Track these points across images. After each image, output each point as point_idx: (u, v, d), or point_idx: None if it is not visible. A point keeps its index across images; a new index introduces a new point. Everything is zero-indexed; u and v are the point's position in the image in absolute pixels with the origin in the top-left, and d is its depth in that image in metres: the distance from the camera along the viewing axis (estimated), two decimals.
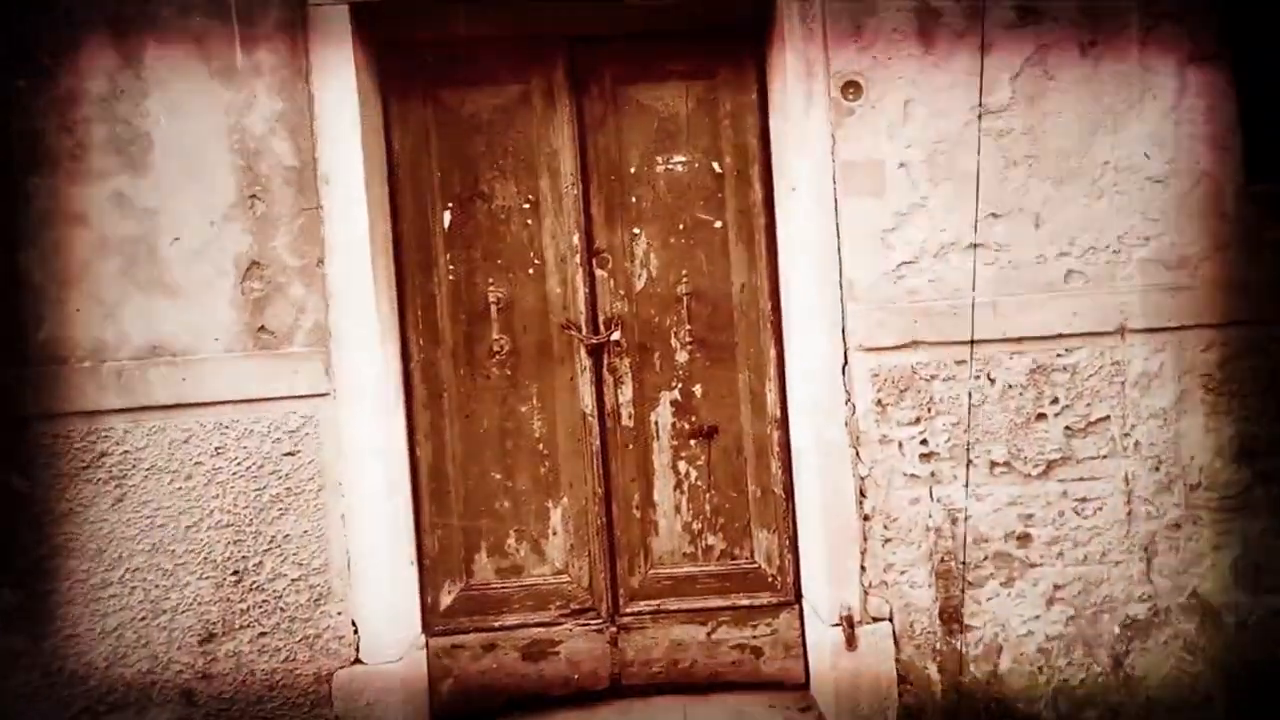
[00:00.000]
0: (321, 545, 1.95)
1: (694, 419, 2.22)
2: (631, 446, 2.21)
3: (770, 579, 2.21)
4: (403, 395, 2.15)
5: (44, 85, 1.90)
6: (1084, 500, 1.98)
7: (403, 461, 2.12)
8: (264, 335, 1.93)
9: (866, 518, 1.99)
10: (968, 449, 1.98)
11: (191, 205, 1.92)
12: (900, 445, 1.98)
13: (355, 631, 1.96)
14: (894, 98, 1.97)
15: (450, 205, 2.19)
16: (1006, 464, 1.98)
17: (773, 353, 2.20)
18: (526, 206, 2.19)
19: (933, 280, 1.98)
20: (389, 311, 2.09)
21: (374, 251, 1.99)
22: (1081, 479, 1.98)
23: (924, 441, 1.98)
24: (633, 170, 2.21)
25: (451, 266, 2.19)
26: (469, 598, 2.20)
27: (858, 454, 1.99)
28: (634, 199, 2.21)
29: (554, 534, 2.22)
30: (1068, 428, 1.98)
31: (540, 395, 2.20)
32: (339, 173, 1.95)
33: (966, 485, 1.99)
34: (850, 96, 1.98)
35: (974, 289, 1.97)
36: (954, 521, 1.98)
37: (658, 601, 2.21)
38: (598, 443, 2.19)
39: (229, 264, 1.93)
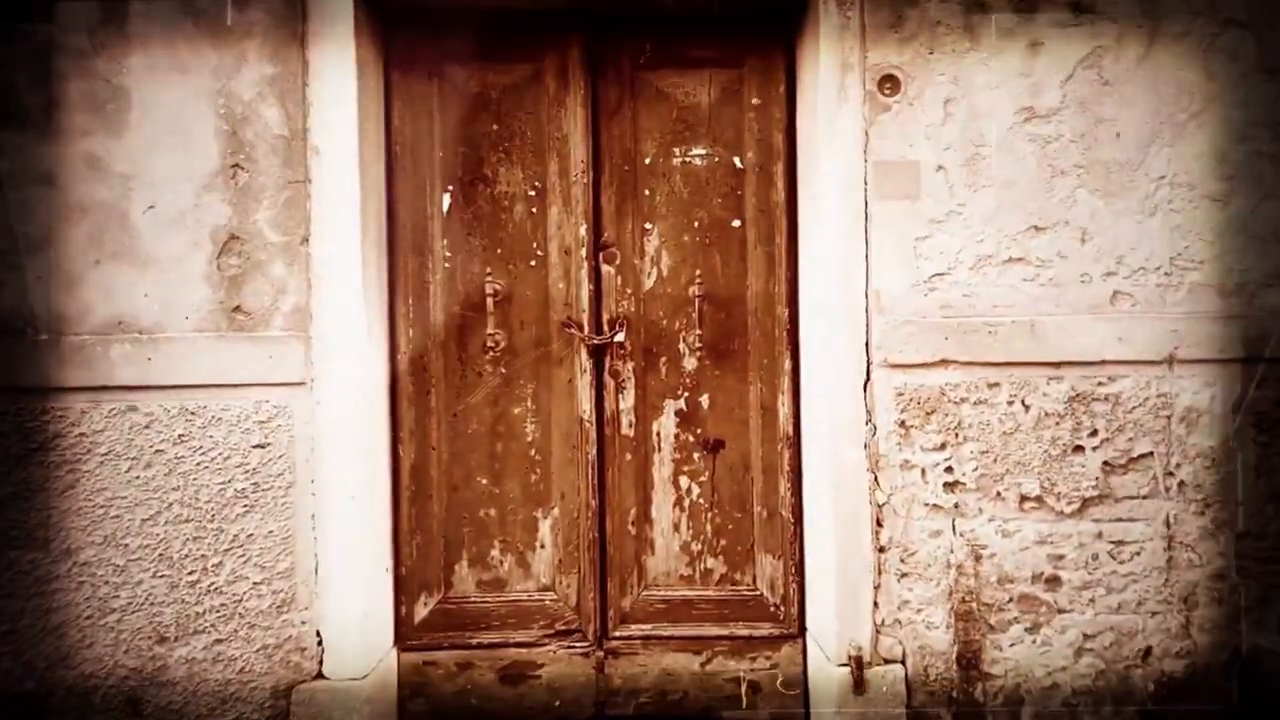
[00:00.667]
0: (288, 547, 1.79)
1: (699, 431, 2.06)
2: (630, 457, 2.05)
3: (773, 609, 2.04)
4: (387, 389, 2.00)
5: (20, 35, 1.76)
6: (1120, 543, 1.82)
7: (383, 461, 1.97)
8: (239, 316, 1.78)
9: (882, 549, 1.82)
10: (996, 480, 1.82)
11: (169, 171, 1.77)
12: (923, 472, 1.82)
13: (319, 643, 1.79)
14: (934, 95, 1.82)
15: (450, 188, 2.04)
16: (1038, 499, 1.82)
17: (788, 364, 2.04)
18: (532, 194, 2.05)
19: (967, 294, 1.82)
20: (377, 298, 1.94)
21: (364, 232, 1.84)
22: (1119, 519, 1.82)
23: (949, 469, 1.82)
24: (648, 161, 2.06)
25: (448, 254, 2.04)
26: (446, 611, 2.03)
27: (876, 479, 1.82)
28: (647, 192, 2.06)
29: (541, 547, 2.06)
30: (1106, 463, 1.82)
31: (535, 397, 2.05)
32: (331, 145, 1.81)
33: (993, 520, 1.82)
34: (887, 92, 1.83)
35: (1012, 306, 1.81)
36: (977, 558, 1.82)
37: (650, 626, 2.04)
38: (594, 451, 2.03)
39: (205, 237, 1.78)
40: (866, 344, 1.82)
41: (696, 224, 2.06)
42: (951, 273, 1.82)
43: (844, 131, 1.83)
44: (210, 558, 1.77)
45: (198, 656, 1.77)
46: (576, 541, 2.05)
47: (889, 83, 1.83)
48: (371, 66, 1.92)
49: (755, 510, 2.06)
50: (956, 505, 1.82)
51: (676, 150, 2.07)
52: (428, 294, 2.04)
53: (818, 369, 1.90)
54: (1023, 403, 1.82)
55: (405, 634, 2.01)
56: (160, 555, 1.77)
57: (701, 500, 2.06)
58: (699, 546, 2.07)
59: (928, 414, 1.82)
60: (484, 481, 2.05)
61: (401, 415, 2.02)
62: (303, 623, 1.79)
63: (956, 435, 1.82)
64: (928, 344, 1.81)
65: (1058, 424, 1.82)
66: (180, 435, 1.76)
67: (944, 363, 1.81)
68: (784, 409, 2.05)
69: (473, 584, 2.06)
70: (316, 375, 1.80)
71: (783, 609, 2.04)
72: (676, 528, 2.07)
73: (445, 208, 2.04)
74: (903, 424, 1.82)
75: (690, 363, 2.06)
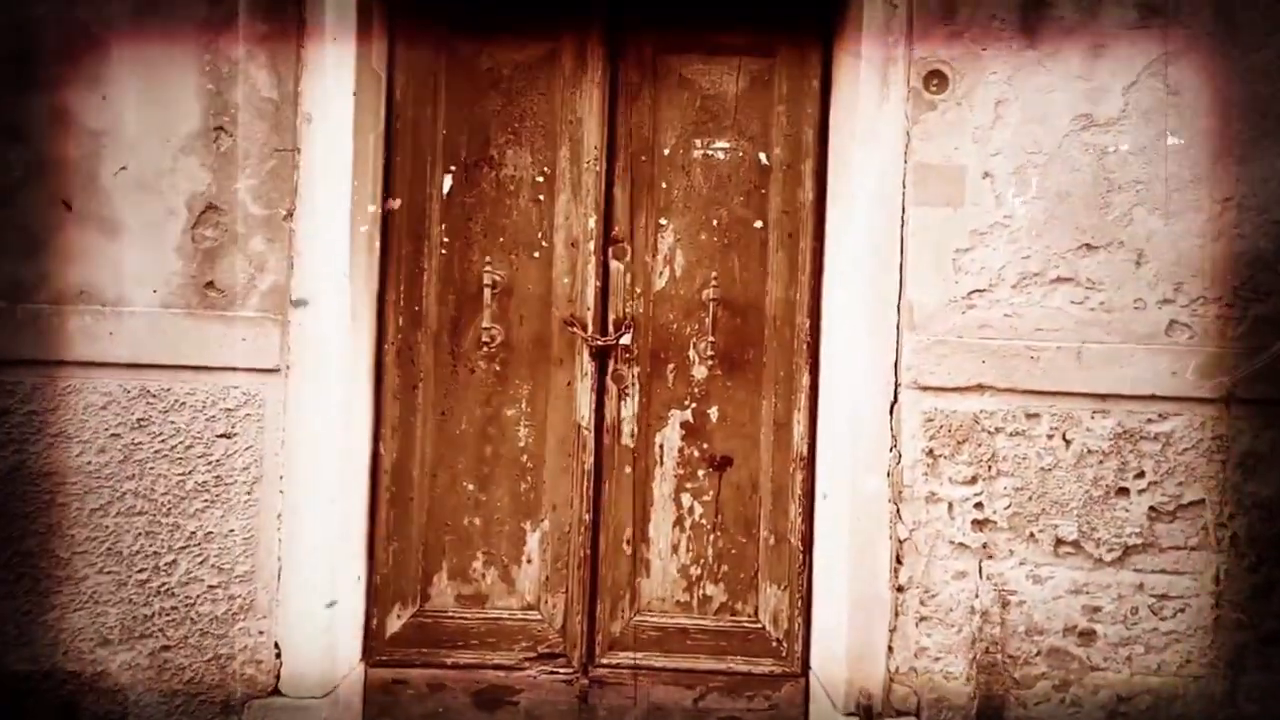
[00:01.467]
0: (249, 548, 1.63)
1: (706, 446, 1.90)
2: (630, 470, 1.89)
3: (775, 644, 1.88)
4: (371, 382, 1.85)
5: None
6: (1164, 597, 1.65)
7: (362, 459, 1.81)
8: (211, 293, 1.63)
9: (900, 589, 1.66)
10: (1030, 520, 1.65)
11: (146, 130, 1.63)
12: (950, 507, 1.66)
13: (278, 656, 1.64)
14: (985, 95, 1.67)
15: (453, 169, 1.89)
16: (1075, 544, 1.65)
17: (806, 379, 1.88)
18: (540, 180, 1.89)
19: (1008, 315, 1.66)
20: (365, 282, 1.79)
21: (355, 209, 1.69)
22: (1163, 571, 1.65)
23: (979, 505, 1.66)
24: (666, 152, 1.91)
25: (446, 239, 1.89)
26: (421, 625, 1.87)
27: (898, 512, 1.66)
28: (664, 185, 1.91)
29: (528, 561, 1.90)
30: (1153, 508, 1.65)
31: (531, 399, 1.89)
32: (324, 113, 1.66)
33: (1024, 564, 1.66)
34: (934, 88, 1.67)
35: (1057, 330, 1.65)
36: (1005, 605, 1.65)
37: (640, 655, 1.88)
38: (591, 461, 1.88)
39: (181, 204, 1.63)
40: (895, 362, 1.66)
41: (715, 222, 1.91)
42: (993, 290, 1.66)
43: (884, 130, 1.68)
44: (163, 555, 1.61)
45: (143, 663, 1.61)
46: (566, 558, 1.88)
47: (936, 79, 1.68)
48: (374, 34, 1.78)
49: (762, 535, 1.90)
50: (985, 545, 1.66)
51: (698, 142, 1.91)
52: (421, 281, 1.88)
53: (840, 386, 1.75)
54: (1064, 437, 1.66)
55: (375, 648, 1.85)
56: (109, 549, 1.61)
57: (704, 521, 1.90)
58: (698, 571, 1.90)
59: (959, 443, 1.66)
60: (470, 487, 1.89)
61: (385, 410, 1.86)
62: (261, 632, 1.63)
63: (989, 468, 1.66)
64: (963, 366, 1.65)
65: (1101, 463, 1.65)
66: (139, 419, 1.61)
67: (979, 388, 1.65)
68: (799, 427, 1.89)
69: (451, 597, 1.89)
70: (293, 362, 1.65)
71: (785, 645, 1.88)
72: (675, 549, 1.91)
73: (446, 190, 1.89)
74: (931, 453, 1.66)
75: (700, 371, 1.90)
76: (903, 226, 1.67)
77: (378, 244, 1.84)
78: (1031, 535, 1.66)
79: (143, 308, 1.61)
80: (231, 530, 1.63)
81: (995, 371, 1.65)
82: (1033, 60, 1.67)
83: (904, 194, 1.67)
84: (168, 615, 1.61)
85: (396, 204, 1.64)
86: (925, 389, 1.65)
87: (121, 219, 1.62)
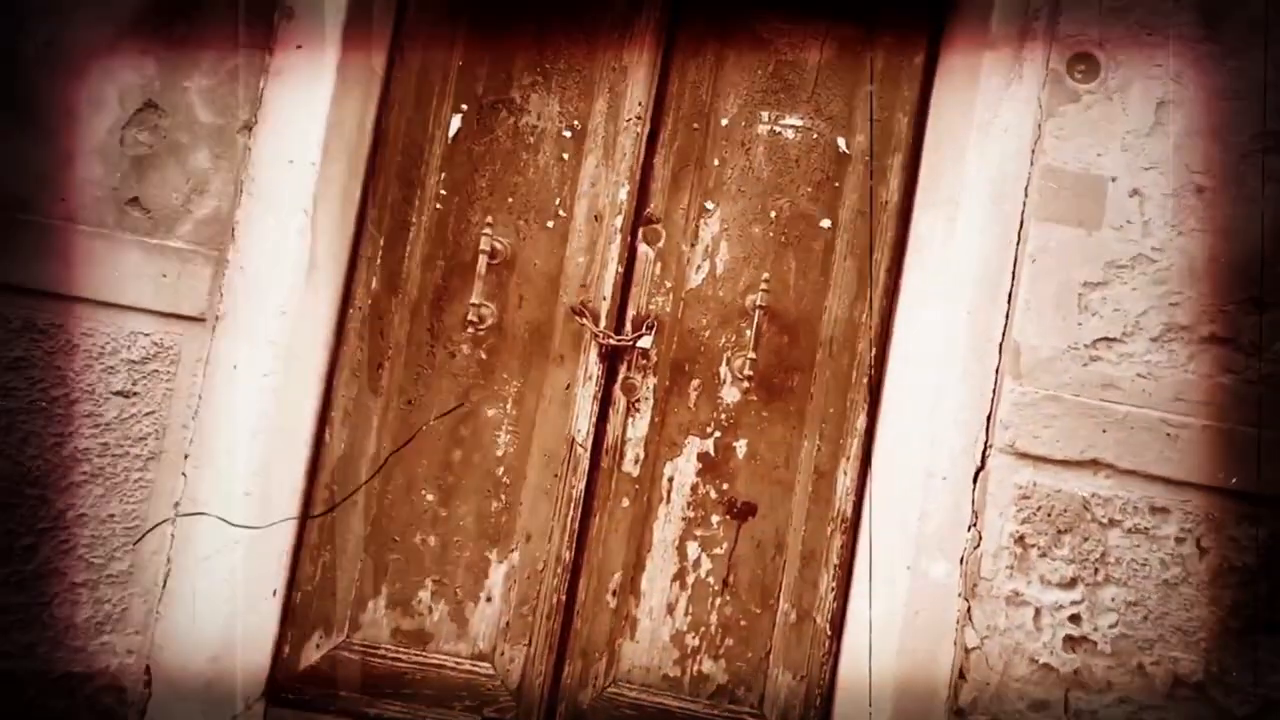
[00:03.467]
0: (131, 540, 1.27)
1: (726, 487, 1.53)
2: (628, 504, 1.52)
3: None
4: (326, 350, 1.49)
5: None
6: None
7: (301, 445, 1.46)
8: (133, 212, 1.29)
9: (959, 714, 1.27)
10: (1143, 648, 1.26)
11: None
12: (1038, 614, 1.27)
13: (147, 684, 1.27)
14: (1144, 92, 1.30)
15: (464, 108, 1.55)
16: (1198, 686, 1.26)
17: (862, 421, 1.51)
18: (567, 135, 1.55)
19: (1143, 375, 1.28)
20: (335, 227, 1.44)
21: (334, 135, 1.35)
22: None
23: (1076, 618, 1.27)
24: (724, 122, 1.55)
25: (443, 191, 1.54)
26: (345, 661, 1.50)
27: (969, 611, 1.27)
28: (717, 162, 1.55)
29: (487, 599, 1.53)
30: None
31: (519, 399, 1.53)
32: (309, 8, 1.32)
33: (1126, 703, 1.26)
34: (1079, 75, 1.31)
35: (1208, 405, 1.27)
36: None
37: None
38: (581, 486, 1.51)
39: (112, 95, 1.29)
40: (989, 416, 1.28)
41: (773, 214, 1.55)
42: (1127, 340, 1.28)
43: (1007, 120, 1.32)
44: (21, 536, 1.26)
45: None
46: (535, 602, 1.51)
47: (1083, 64, 1.31)
48: None
49: (781, 607, 1.52)
50: (1077, 672, 1.26)
51: (764, 115, 1.56)
52: (405, 237, 1.53)
53: (908, 437, 1.37)
54: (1198, 543, 1.26)
55: (281, 683, 1.48)
56: None
57: (711, 580, 1.52)
58: (696, 641, 1.52)
59: (1059, 532, 1.27)
60: (429, 498, 1.53)
61: (338, 388, 1.51)
62: (130, 651, 1.27)
63: (1095, 571, 1.27)
64: (1077, 433, 1.27)
65: (1246, 585, 1.26)
66: (17, 359, 1.26)
67: (1094, 464, 1.27)
68: (845, 479, 1.51)
69: (387, 630, 1.52)
70: (226, 312, 1.30)
71: None
72: (671, 610, 1.53)
73: (453, 131, 1.55)
74: (1021, 540, 1.27)
75: (731, 393, 1.53)
76: (1019, 245, 1.30)
77: (359, 183, 1.50)
78: (1141, 667, 1.26)
79: (44, 219, 1.27)
80: (113, 515, 1.27)
81: (1118, 446, 1.26)
82: (1211, 55, 1.30)
83: (1025, 204, 1.31)
84: (14, 613, 1.25)
85: None
86: (1024, 456, 1.26)
87: (37, 103, 1.28)
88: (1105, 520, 1.27)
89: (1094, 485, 1.27)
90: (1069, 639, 1.27)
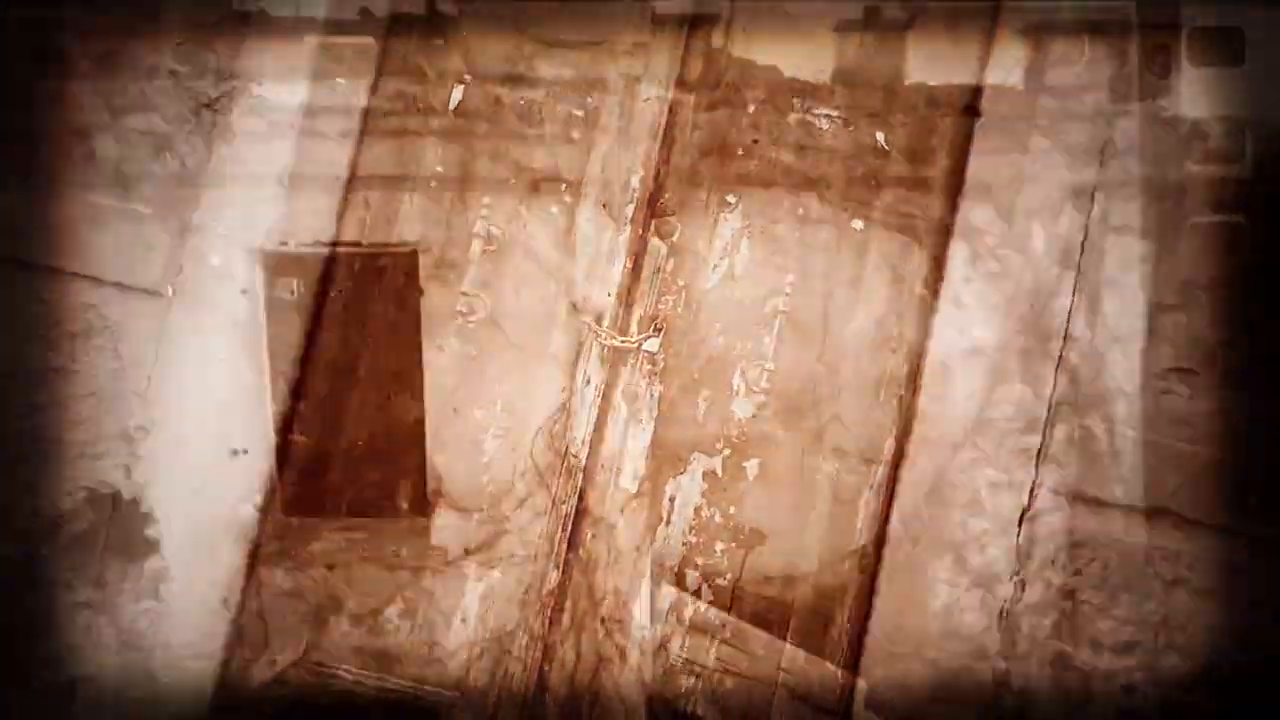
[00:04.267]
0: None
1: (733, 511, 1.38)
2: (622, 523, 1.37)
3: None
4: (301, 336, 1.35)
5: None
6: None
7: (263, 433, 1.31)
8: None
9: None
10: None
11: None
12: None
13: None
14: None
15: (468, 78, 1.41)
16: None
17: (889, 445, 1.35)
18: (578, 112, 1.41)
19: None
20: (321, 192, 1.30)
21: (317, 82, 1.22)
22: None
23: None
24: (752, 108, 1.41)
25: (439, 169, 1.41)
26: (295, 681, 1.35)
27: (1007, 668, 1.11)
28: (741, 150, 1.41)
29: (462, 620, 1.38)
30: None
31: (509, 402, 1.38)
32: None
33: None
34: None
35: None
36: None
37: None
38: (573, 502, 1.36)
39: None
40: (1039, 450, 1.13)
41: (801, 211, 1.41)
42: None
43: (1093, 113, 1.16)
44: None
45: None
46: (519, 626, 1.36)
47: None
48: None
49: (787, 650, 1.36)
50: None
51: (797, 102, 1.41)
52: (396, 216, 1.39)
53: (943, 468, 1.21)
54: None
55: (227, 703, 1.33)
56: None
57: (712, 615, 1.37)
58: (691, 681, 1.37)
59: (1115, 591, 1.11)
60: (404, 505, 1.38)
61: (310, 381, 1.37)
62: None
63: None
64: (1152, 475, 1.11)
65: None
66: None
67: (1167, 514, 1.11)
68: (866, 507, 1.35)
69: (349, 649, 1.38)
70: (183, 285, 1.16)
71: None
72: (665, 645, 1.37)
73: (454, 101, 1.41)
74: (1070, 594, 1.11)
75: (744, 408, 1.38)
76: (1081, 255, 1.15)
77: (348, 153, 1.36)
78: None
79: None
80: None
81: (1183, 494, 1.10)
82: None
83: (1089, 212, 1.15)
84: None
85: None
86: (1089, 501, 1.11)
87: None
88: (1170, 579, 1.11)
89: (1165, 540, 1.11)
90: None
